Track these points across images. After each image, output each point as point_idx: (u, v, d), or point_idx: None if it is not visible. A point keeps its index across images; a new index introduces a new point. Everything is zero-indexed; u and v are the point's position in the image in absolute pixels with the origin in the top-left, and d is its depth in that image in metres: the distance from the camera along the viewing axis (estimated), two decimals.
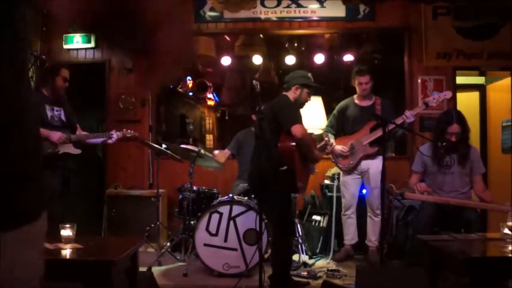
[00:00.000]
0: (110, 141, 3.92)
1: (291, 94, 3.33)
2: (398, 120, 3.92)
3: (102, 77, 5.29)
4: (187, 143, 4.98)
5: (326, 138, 4.10)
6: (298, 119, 3.13)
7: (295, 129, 3.05)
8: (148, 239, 4.27)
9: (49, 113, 3.73)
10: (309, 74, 3.43)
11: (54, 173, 3.63)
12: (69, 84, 3.82)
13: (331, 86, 6.71)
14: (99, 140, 4.00)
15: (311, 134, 3.79)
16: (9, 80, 0.82)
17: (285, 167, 3.03)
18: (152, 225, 4.36)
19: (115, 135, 3.91)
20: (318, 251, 4.49)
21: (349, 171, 4.27)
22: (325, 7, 5.15)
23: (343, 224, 4.36)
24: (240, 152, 4.50)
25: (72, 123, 3.87)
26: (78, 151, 3.83)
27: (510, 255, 2.26)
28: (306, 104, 3.46)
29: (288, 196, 3.31)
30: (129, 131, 4.07)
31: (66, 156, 3.76)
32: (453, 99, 4.88)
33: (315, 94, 5.16)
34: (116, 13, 0.86)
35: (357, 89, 4.31)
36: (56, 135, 3.67)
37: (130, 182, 5.08)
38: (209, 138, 8.02)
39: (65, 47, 5.23)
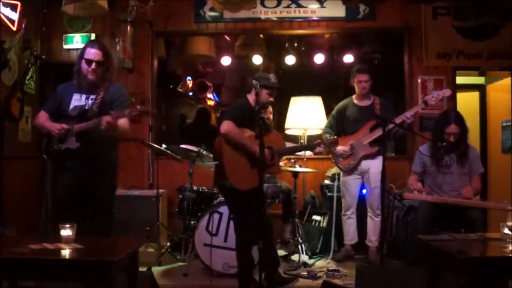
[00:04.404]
0: (102, 127, 2.97)
1: (251, 96, 3.39)
2: (398, 120, 3.91)
3: None
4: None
5: (332, 137, 3.99)
6: (229, 117, 3.17)
7: (222, 125, 3.15)
8: (148, 239, 4.27)
9: (74, 103, 3.12)
10: (271, 75, 3.44)
11: (64, 176, 3.15)
12: (97, 65, 3.10)
13: (331, 86, 6.72)
14: (88, 126, 3.06)
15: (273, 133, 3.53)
16: None
17: (215, 163, 3.23)
18: (152, 225, 4.36)
19: (107, 117, 2.94)
20: (318, 251, 4.48)
21: (349, 171, 4.27)
22: (325, 7, 5.15)
23: (343, 224, 4.36)
24: None
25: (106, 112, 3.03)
26: (76, 145, 3.06)
27: (510, 255, 2.26)
28: (268, 104, 3.49)
29: (230, 194, 3.23)
30: (138, 107, 3.16)
31: (70, 154, 3.08)
32: (453, 99, 4.88)
33: (315, 94, 5.21)
34: None
35: (356, 88, 4.31)
36: (54, 127, 3.06)
37: (130, 182, 5.06)
38: None
39: (65, 47, 5.21)
